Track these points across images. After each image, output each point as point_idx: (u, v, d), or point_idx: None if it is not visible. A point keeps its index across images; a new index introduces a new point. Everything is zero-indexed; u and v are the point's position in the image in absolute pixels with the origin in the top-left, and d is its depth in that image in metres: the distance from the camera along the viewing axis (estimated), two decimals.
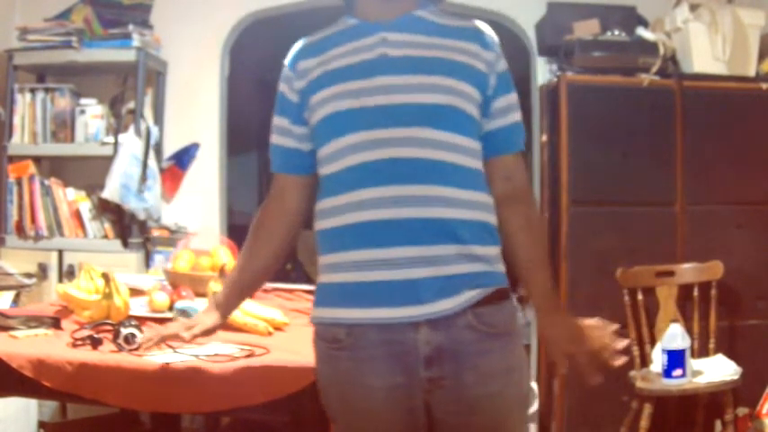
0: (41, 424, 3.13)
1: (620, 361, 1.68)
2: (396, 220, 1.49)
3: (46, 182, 3.59)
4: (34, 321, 2.28)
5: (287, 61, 1.66)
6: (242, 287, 1.79)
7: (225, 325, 1.89)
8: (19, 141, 3.61)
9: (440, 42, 1.59)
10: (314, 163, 1.64)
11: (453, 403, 1.52)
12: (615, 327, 1.66)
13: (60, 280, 3.44)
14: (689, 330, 3.19)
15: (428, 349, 1.49)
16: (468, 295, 1.51)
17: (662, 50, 3.53)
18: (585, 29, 3.64)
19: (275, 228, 1.72)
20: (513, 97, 1.66)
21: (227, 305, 1.81)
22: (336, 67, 1.58)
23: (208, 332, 1.79)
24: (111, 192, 3.46)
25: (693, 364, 3.13)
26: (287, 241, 1.73)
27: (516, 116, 1.67)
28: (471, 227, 1.53)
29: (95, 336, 2.10)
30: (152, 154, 3.67)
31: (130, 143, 3.54)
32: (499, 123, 1.63)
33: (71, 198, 3.60)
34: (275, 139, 1.70)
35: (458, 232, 1.51)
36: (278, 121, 1.69)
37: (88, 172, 3.68)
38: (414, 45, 1.57)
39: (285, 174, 1.71)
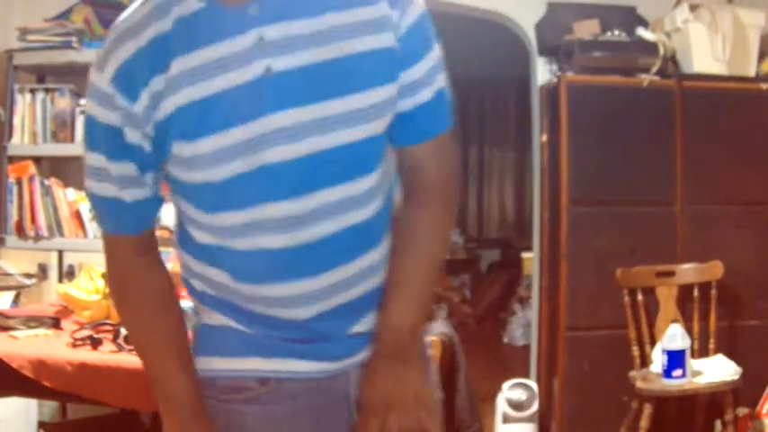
0: (41, 424, 3.13)
1: None
2: (333, 313, 1.19)
3: (46, 182, 3.58)
4: (34, 321, 2.28)
5: (110, 73, 1.08)
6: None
7: None
8: (19, 141, 3.61)
9: (338, 23, 1.09)
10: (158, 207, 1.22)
11: None
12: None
13: (60, 280, 3.43)
14: (689, 330, 3.19)
15: (356, 391, 1.22)
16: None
17: (662, 51, 3.53)
18: (585, 29, 3.64)
19: (161, 303, 1.24)
20: (431, 58, 1.19)
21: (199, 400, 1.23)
22: (203, 98, 1.06)
23: None
24: None
25: (693, 364, 3.13)
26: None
27: (430, 91, 1.21)
28: (368, 301, 1.23)
29: (95, 336, 2.10)
30: None
31: None
32: (408, 104, 1.19)
33: (71, 198, 3.60)
34: (107, 189, 1.15)
35: (374, 305, 1.23)
36: (110, 166, 1.12)
37: None
38: (303, 43, 1.07)
39: (126, 235, 1.21)
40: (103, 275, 2.44)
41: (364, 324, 1.23)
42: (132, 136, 1.10)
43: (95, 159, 1.14)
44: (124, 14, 1.11)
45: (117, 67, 1.08)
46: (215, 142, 1.07)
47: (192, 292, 1.28)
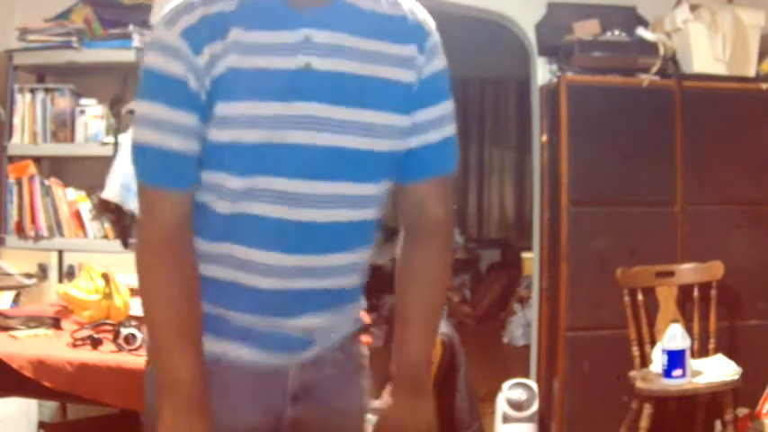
0: (41, 424, 3.13)
1: None
2: (296, 291, 1.27)
3: (46, 182, 3.58)
4: (34, 321, 2.29)
5: (179, 30, 1.19)
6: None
7: None
8: (19, 141, 3.61)
9: (374, 49, 1.25)
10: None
11: None
12: None
13: (60, 280, 3.43)
14: (689, 330, 3.19)
15: (295, 385, 1.32)
16: (339, 332, 1.38)
17: (662, 51, 3.53)
18: (585, 29, 3.64)
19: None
20: (444, 107, 1.36)
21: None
22: (250, 70, 1.19)
23: None
24: (111, 192, 3.45)
25: (693, 364, 3.13)
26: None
27: (440, 134, 1.35)
28: (356, 293, 1.38)
29: (95, 336, 2.10)
30: None
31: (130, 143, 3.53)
32: (417, 141, 1.33)
33: (71, 198, 3.59)
34: (171, 141, 1.20)
35: (344, 302, 1.35)
36: (176, 115, 1.20)
37: (88, 172, 3.67)
38: (344, 53, 1.22)
39: (182, 190, 1.24)
40: (104, 275, 2.44)
41: (308, 320, 1.30)
42: (195, 85, 1.19)
43: (156, 110, 1.20)
44: None
45: (186, 25, 1.19)
46: (246, 108, 1.19)
47: None
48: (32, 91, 3.62)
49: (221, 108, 1.19)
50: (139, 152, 1.23)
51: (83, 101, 3.64)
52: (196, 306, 1.24)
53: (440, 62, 1.34)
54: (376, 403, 1.46)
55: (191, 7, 1.20)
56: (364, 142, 1.25)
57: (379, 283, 1.97)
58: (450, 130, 1.37)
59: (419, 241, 1.38)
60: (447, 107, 1.37)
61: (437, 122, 1.35)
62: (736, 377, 3.11)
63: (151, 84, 1.21)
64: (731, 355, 3.34)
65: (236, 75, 1.19)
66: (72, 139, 3.61)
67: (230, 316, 1.28)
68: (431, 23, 1.33)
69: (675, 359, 3.05)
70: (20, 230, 3.57)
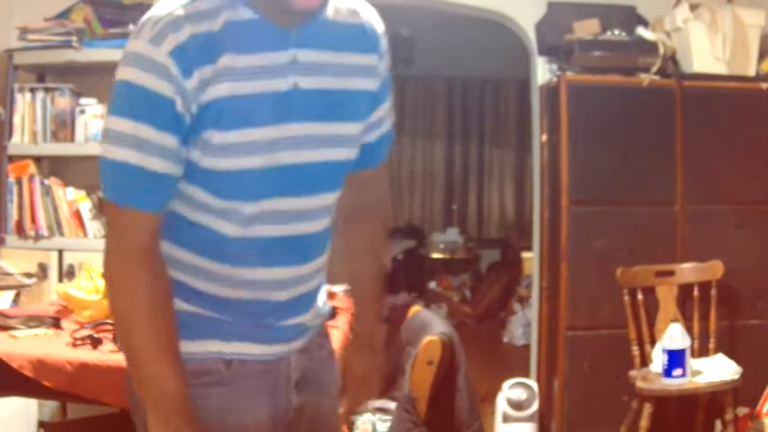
0: (41, 424, 3.13)
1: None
2: (288, 303, 1.35)
3: (46, 182, 3.58)
4: (34, 321, 2.28)
5: (167, 50, 1.14)
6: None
7: None
8: (19, 141, 3.61)
9: (347, 62, 1.31)
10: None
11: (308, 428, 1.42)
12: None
13: (60, 280, 3.43)
14: (689, 330, 3.19)
15: (297, 373, 1.39)
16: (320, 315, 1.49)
17: (662, 50, 3.53)
18: (585, 28, 3.64)
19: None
20: (389, 103, 1.45)
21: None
22: (242, 96, 1.19)
23: None
24: None
25: (693, 363, 3.13)
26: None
27: (388, 124, 1.46)
28: (321, 293, 1.48)
29: (95, 335, 2.10)
30: None
31: None
32: (371, 137, 1.43)
33: (71, 198, 3.59)
34: (153, 163, 1.17)
35: (315, 301, 1.44)
36: (159, 136, 1.17)
37: (88, 172, 3.65)
38: (323, 71, 1.27)
39: (155, 214, 1.22)
40: (104, 275, 2.44)
41: (302, 317, 1.39)
42: (181, 108, 1.16)
43: (139, 129, 1.16)
44: (179, 2, 1.17)
45: (175, 44, 1.14)
46: (243, 136, 1.20)
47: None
48: (32, 90, 3.62)
49: (216, 137, 1.19)
50: (118, 171, 1.19)
51: (83, 100, 3.64)
52: (171, 318, 1.24)
53: (388, 59, 1.41)
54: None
55: (178, 24, 1.15)
56: (341, 153, 1.34)
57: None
58: (390, 122, 1.47)
59: (365, 218, 1.51)
60: (390, 101, 1.46)
61: (388, 114, 1.45)
62: (736, 377, 3.11)
63: (135, 101, 1.16)
64: (731, 354, 3.34)
65: (229, 102, 1.18)
66: (72, 139, 3.61)
67: (234, 321, 1.33)
68: (381, 24, 1.39)
69: (675, 359, 3.05)
70: (20, 230, 3.57)
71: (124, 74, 1.16)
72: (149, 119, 1.16)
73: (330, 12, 1.29)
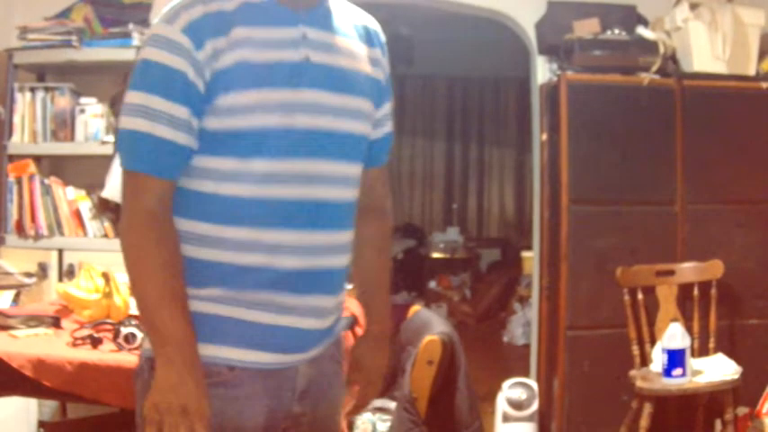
0: (41, 424, 3.13)
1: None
2: (311, 271, 1.35)
3: (46, 181, 3.58)
4: (34, 321, 2.29)
5: (180, 27, 1.25)
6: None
7: None
8: (19, 141, 3.61)
9: (354, 48, 1.40)
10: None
11: None
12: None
13: (60, 279, 3.43)
14: (689, 330, 3.19)
15: (303, 383, 1.39)
16: (339, 325, 1.49)
17: (662, 49, 3.53)
18: (586, 28, 3.64)
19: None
20: (390, 105, 1.53)
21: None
22: (257, 62, 1.28)
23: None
24: (111, 191, 3.45)
25: (693, 363, 3.13)
26: None
27: (390, 125, 1.55)
28: (346, 276, 1.47)
29: (95, 335, 2.10)
30: None
31: None
32: (381, 132, 1.52)
33: (71, 197, 3.59)
34: (163, 131, 1.26)
35: (343, 280, 1.45)
36: (170, 107, 1.26)
37: (88, 171, 3.67)
38: (332, 50, 1.36)
39: (166, 180, 1.29)
40: (104, 274, 2.44)
41: (320, 298, 1.37)
42: (194, 78, 1.25)
43: (151, 100, 1.25)
44: None
45: (188, 21, 1.26)
46: (259, 96, 1.27)
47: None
48: (32, 90, 3.62)
49: (232, 98, 1.26)
50: (130, 139, 1.27)
51: (83, 100, 3.64)
52: (180, 273, 1.28)
53: (388, 62, 1.51)
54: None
55: (191, 5, 1.26)
56: (356, 126, 1.39)
57: None
58: (392, 124, 1.56)
59: (373, 217, 1.55)
60: (392, 101, 1.55)
61: (389, 116, 1.54)
62: (736, 376, 3.11)
63: (149, 75, 1.26)
64: (731, 354, 3.34)
65: (245, 66, 1.26)
66: (72, 138, 3.61)
67: (249, 298, 1.31)
68: (380, 29, 1.51)
69: (675, 358, 3.05)
70: (20, 229, 3.57)
71: (143, 53, 1.28)
72: (161, 91, 1.25)
73: (339, 8, 1.42)
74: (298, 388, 1.38)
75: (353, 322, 1.55)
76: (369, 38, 1.46)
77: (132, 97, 1.27)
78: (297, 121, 1.30)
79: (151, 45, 1.27)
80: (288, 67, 1.30)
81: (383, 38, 1.50)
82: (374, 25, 1.49)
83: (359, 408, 1.62)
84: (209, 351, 1.30)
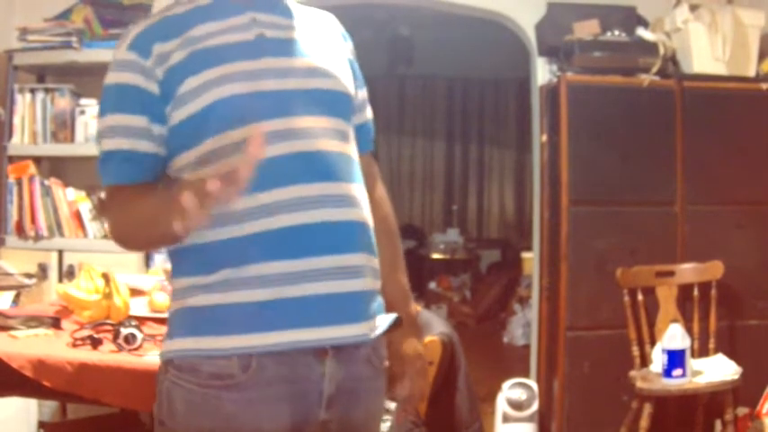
0: (41, 424, 3.13)
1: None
2: (312, 225, 1.29)
3: (46, 182, 3.58)
4: (34, 321, 2.28)
5: (126, 45, 1.32)
6: None
7: None
8: (19, 141, 3.61)
9: (309, 27, 1.43)
10: (160, 171, 1.36)
11: None
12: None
13: (60, 280, 3.43)
14: (689, 330, 3.19)
15: (332, 387, 1.31)
16: (377, 322, 1.38)
17: (662, 51, 3.53)
18: (585, 29, 3.64)
19: None
20: (365, 92, 1.54)
21: None
22: (211, 46, 1.32)
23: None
24: None
25: (693, 363, 3.13)
26: None
27: (370, 113, 1.56)
28: (371, 233, 1.39)
29: (95, 336, 2.10)
30: None
31: None
32: (362, 118, 1.52)
33: (71, 198, 3.59)
34: (124, 143, 1.32)
35: (367, 238, 1.36)
36: (128, 119, 1.31)
37: (88, 172, 3.64)
38: (286, 28, 1.39)
39: (132, 184, 1.33)
40: (104, 275, 2.44)
41: (341, 256, 1.31)
42: (145, 85, 1.31)
43: (111, 120, 1.34)
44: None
45: (134, 36, 1.33)
46: (220, 71, 1.30)
47: (188, 258, 1.32)
48: (32, 91, 3.62)
49: (193, 80, 1.29)
50: (101, 161, 1.37)
51: (83, 101, 3.64)
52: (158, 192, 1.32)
53: (353, 48, 1.54)
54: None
55: (139, 23, 1.36)
56: (327, 82, 1.39)
57: None
58: (370, 112, 1.57)
59: (374, 203, 1.47)
60: (366, 91, 1.56)
61: (367, 103, 1.55)
62: (736, 377, 3.12)
63: (106, 99, 1.36)
64: (731, 354, 3.34)
65: (200, 53, 1.31)
66: (72, 139, 3.61)
67: (256, 272, 1.26)
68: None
69: (675, 359, 3.05)
70: (20, 230, 3.57)
71: (104, 81, 1.36)
72: (117, 108, 1.33)
73: (296, 5, 1.45)
74: (325, 392, 1.30)
75: (397, 321, 1.44)
76: (326, 21, 1.49)
77: (98, 124, 1.38)
78: (264, 86, 1.31)
79: (109, 71, 1.35)
80: (242, 45, 1.33)
81: (341, 27, 1.53)
82: (328, 15, 1.52)
83: (415, 399, 1.51)
84: (224, 343, 1.26)
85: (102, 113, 1.37)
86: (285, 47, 1.37)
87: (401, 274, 1.53)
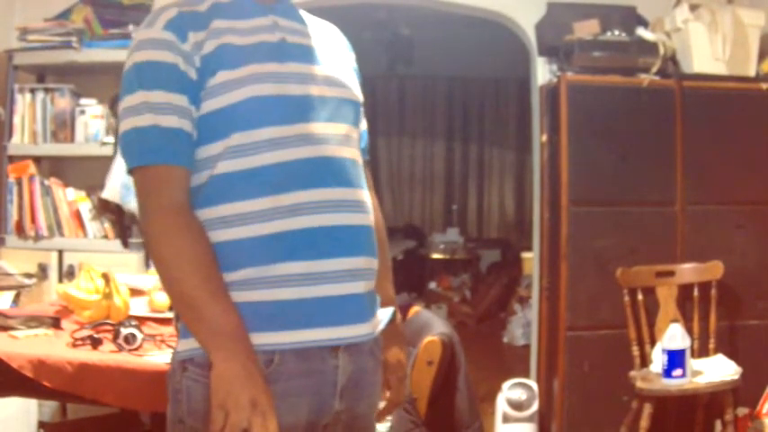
0: (41, 424, 3.13)
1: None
2: (331, 228, 1.33)
3: (46, 182, 3.59)
4: (34, 321, 2.29)
5: (162, 25, 1.31)
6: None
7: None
8: (19, 141, 3.61)
9: (322, 37, 1.49)
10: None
11: None
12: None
13: (60, 280, 3.44)
14: (689, 330, 3.19)
15: (344, 379, 1.37)
16: (379, 317, 1.46)
17: (662, 50, 3.53)
18: (585, 29, 3.64)
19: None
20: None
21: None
22: (241, 44, 1.34)
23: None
24: (111, 192, 3.45)
25: (693, 364, 3.13)
26: None
27: (365, 123, 1.60)
28: (375, 237, 1.45)
29: (95, 336, 2.10)
30: None
31: None
32: (362, 127, 1.57)
33: (71, 198, 3.60)
34: (169, 120, 1.29)
35: (374, 242, 1.42)
36: (170, 97, 1.29)
37: (88, 172, 3.67)
38: (304, 35, 1.44)
39: (183, 167, 1.31)
40: (104, 275, 2.44)
41: (352, 259, 1.36)
42: (185, 67, 1.30)
43: (150, 96, 1.29)
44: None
45: (167, 20, 1.32)
46: (249, 70, 1.32)
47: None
48: (32, 91, 3.62)
49: (223, 75, 1.31)
50: (137, 136, 1.29)
51: (83, 101, 3.64)
52: (215, 262, 1.28)
53: (356, 61, 1.59)
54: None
55: (166, 8, 1.34)
56: (346, 92, 1.44)
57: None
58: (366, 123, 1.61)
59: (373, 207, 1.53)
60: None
61: (363, 113, 1.58)
62: (736, 377, 3.12)
63: (142, 75, 1.30)
64: (731, 354, 3.35)
65: (229, 48, 1.33)
66: (72, 139, 3.61)
67: (280, 272, 1.29)
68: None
69: (675, 359, 3.05)
70: (20, 230, 3.57)
71: (131, 59, 1.32)
72: (157, 85, 1.29)
73: (305, 14, 1.50)
74: (339, 383, 1.36)
75: (393, 316, 1.54)
76: (334, 34, 1.56)
77: (130, 100, 1.30)
78: (290, 90, 1.34)
79: (138, 49, 1.31)
80: (269, 46, 1.36)
81: (345, 39, 1.59)
82: (332, 26, 1.58)
83: (395, 406, 1.60)
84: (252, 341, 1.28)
85: (133, 89, 1.30)
86: (305, 53, 1.41)
87: (389, 282, 1.59)
